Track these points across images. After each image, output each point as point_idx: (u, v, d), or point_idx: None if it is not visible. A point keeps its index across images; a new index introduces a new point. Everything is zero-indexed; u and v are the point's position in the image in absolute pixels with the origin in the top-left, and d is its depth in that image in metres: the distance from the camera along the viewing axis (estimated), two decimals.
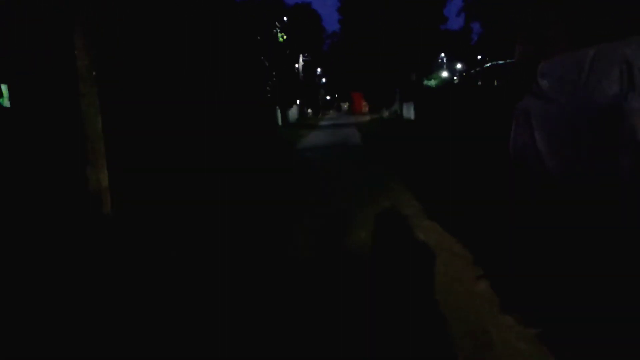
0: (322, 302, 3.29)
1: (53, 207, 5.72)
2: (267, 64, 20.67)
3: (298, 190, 7.81)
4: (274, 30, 21.32)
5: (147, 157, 7.14)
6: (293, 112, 37.04)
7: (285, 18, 22.89)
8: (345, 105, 70.88)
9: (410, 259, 4.04)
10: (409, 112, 23.55)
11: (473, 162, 7.84)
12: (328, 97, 73.15)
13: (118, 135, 6.61)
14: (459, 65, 38.24)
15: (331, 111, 67.89)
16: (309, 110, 54.07)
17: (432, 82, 40.85)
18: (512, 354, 2.49)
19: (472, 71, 15.01)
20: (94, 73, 5.76)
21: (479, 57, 30.99)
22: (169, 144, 8.00)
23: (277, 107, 27.30)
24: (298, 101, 40.10)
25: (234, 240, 4.99)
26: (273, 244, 4.78)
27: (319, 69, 59.67)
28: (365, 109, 50.07)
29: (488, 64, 26.12)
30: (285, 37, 23.21)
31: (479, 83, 13.06)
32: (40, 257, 4.49)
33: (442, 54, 42.72)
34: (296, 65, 40.00)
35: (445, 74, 40.21)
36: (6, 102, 7.34)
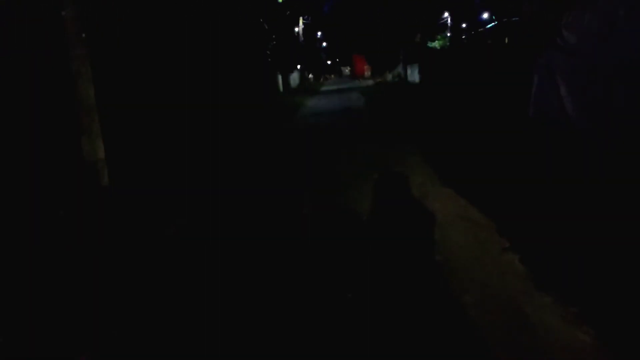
0: (325, 295, 3.04)
1: (48, 180, 5.44)
2: (266, 27, 19.95)
3: (303, 155, 7.51)
4: None
5: (146, 128, 6.81)
6: (294, 78, 36.25)
7: None
8: (346, 70, 69.57)
9: (428, 229, 3.77)
10: (413, 74, 22.91)
11: (488, 124, 7.47)
12: (329, 62, 71.67)
13: (115, 102, 6.27)
14: (463, 25, 37.06)
15: (332, 76, 66.67)
16: (310, 76, 53.01)
17: (437, 43, 39.80)
18: (553, 335, 2.23)
19: (481, 29, 14.35)
20: (83, 35, 5.37)
21: (484, 15, 29.92)
22: (166, 114, 7.65)
23: (278, 72, 26.62)
24: (299, 66, 39.19)
25: (237, 222, 4.72)
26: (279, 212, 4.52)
27: (319, 33, 58.18)
28: (368, 72, 49.11)
29: (494, 22, 25.22)
30: None
31: (489, 42, 12.46)
32: (34, 238, 4.24)
33: (446, 14, 41.37)
34: (296, 29, 38.89)
35: (449, 34, 39.02)
36: None
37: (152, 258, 3.66)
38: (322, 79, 56.54)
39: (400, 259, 3.27)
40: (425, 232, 3.70)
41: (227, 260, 3.49)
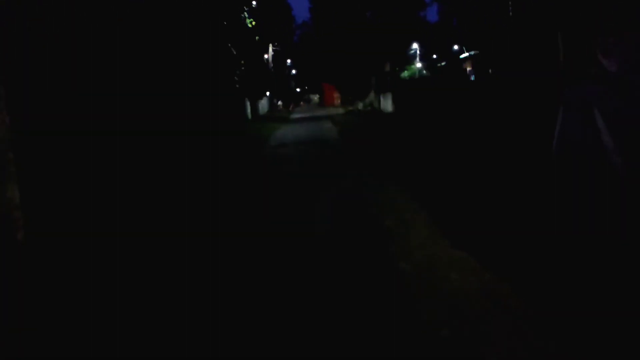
0: None
1: None
2: (234, 52, 19.03)
3: (275, 196, 6.42)
4: (242, 15, 19.63)
5: (76, 163, 5.60)
6: (263, 104, 35.36)
7: (254, 2, 21.18)
8: (315, 97, 69.42)
9: (452, 319, 2.72)
10: (386, 103, 22.35)
11: (483, 161, 6.62)
12: (298, 89, 71.34)
13: (35, 134, 5.07)
14: (434, 56, 37.35)
15: (302, 103, 66.22)
16: (279, 103, 52.30)
17: (405, 73, 39.87)
18: None
19: (462, 56, 13.88)
20: None
21: (455, 47, 30.01)
22: (107, 147, 6.44)
23: (247, 98, 25.63)
24: (268, 93, 38.39)
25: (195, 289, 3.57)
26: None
27: (289, 60, 57.94)
28: (337, 101, 48.80)
29: (467, 54, 25.16)
30: (254, 23, 21.49)
31: (468, 69, 11.88)
32: None
33: (415, 45, 41.69)
34: (265, 56, 38.21)
35: (419, 65, 39.21)
36: None
37: None
38: (291, 107, 55.99)
39: None
40: (451, 331, 2.65)
41: None
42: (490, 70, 11.73)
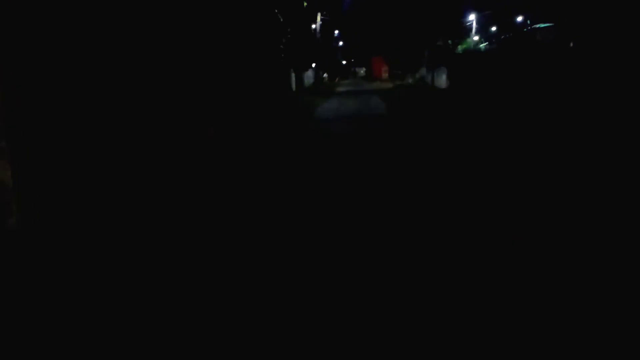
0: None
1: None
2: (281, 19, 17.94)
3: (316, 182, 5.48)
4: None
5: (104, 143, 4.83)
6: (308, 76, 34.22)
7: None
8: (361, 71, 67.51)
9: None
10: (439, 79, 20.76)
11: (558, 142, 5.40)
12: (344, 62, 69.35)
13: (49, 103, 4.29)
14: (493, 29, 34.71)
15: (348, 76, 64.45)
16: (325, 75, 50.89)
17: (459, 48, 37.52)
18: None
19: (531, 27, 12.21)
20: None
21: (519, 18, 27.40)
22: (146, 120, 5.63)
23: (292, 69, 24.60)
24: (314, 65, 37.09)
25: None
26: None
27: (336, 32, 56.11)
28: (385, 74, 47.06)
29: (533, 26, 22.98)
30: None
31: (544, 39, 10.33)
32: None
33: (472, 16, 38.99)
34: (313, 26, 36.78)
35: (475, 38, 36.62)
36: None
37: None
38: (337, 79, 54.52)
39: None
40: None
41: None
42: (572, 44, 10.15)
